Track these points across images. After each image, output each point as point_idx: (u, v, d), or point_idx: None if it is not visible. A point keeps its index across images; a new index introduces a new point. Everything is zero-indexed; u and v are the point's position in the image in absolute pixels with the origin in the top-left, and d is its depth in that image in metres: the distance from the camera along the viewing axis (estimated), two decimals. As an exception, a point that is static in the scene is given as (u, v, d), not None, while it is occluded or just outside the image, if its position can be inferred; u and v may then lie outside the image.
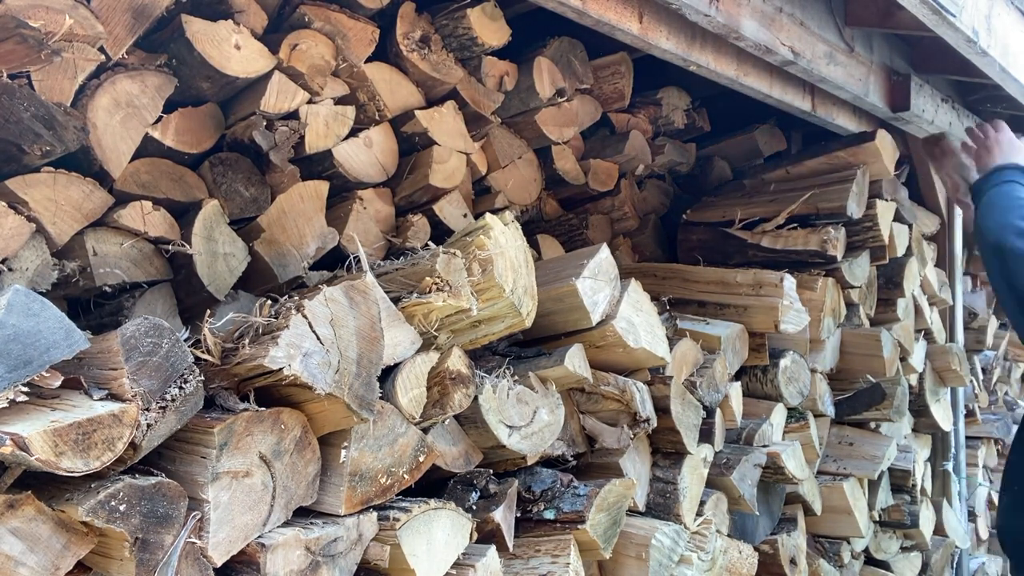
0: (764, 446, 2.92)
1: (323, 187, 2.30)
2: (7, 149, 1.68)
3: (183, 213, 2.05)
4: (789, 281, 2.89)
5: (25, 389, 1.23)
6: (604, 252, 2.29)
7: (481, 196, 2.89)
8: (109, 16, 1.83)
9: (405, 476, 1.78)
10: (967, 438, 4.67)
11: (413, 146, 2.54)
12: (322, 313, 1.57)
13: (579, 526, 2.06)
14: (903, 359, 3.90)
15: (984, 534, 4.97)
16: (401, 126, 2.48)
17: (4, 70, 1.66)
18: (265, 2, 2.13)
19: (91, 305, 2.00)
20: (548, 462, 2.26)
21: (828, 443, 3.48)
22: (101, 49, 1.83)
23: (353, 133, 2.35)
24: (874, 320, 3.84)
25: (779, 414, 3.05)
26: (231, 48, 1.99)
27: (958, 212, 4.50)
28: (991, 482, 5.22)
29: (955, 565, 4.38)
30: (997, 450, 5.29)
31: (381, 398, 1.72)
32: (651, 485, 2.49)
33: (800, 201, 3.33)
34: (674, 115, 3.52)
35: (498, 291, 1.88)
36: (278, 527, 1.56)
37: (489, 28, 2.50)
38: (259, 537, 1.52)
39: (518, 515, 2.08)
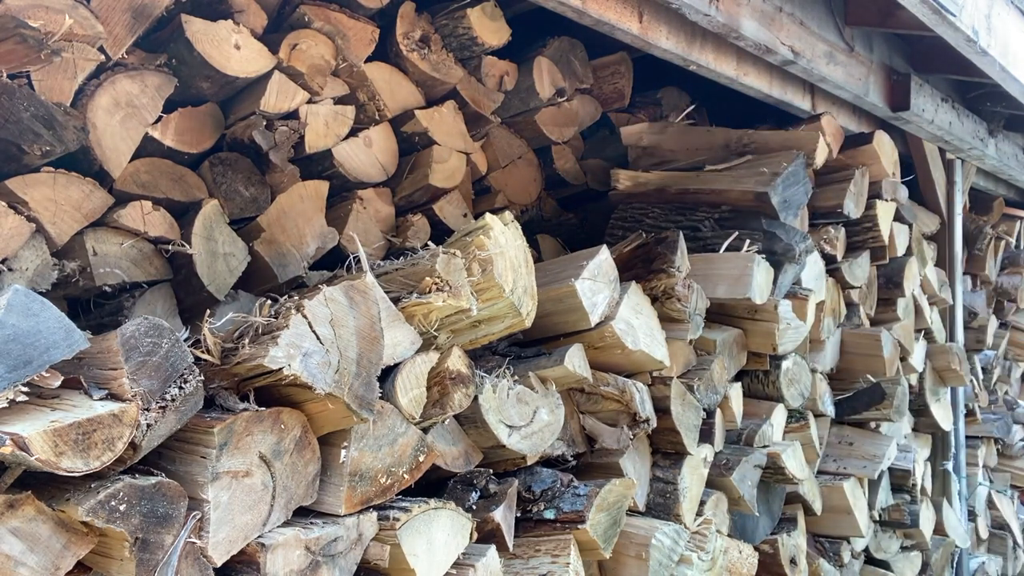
0: (764, 446, 2.91)
1: (323, 187, 2.30)
2: (7, 149, 1.68)
3: (183, 213, 2.05)
4: (784, 305, 2.87)
5: (25, 389, 1.23)
6: (604, 254, 2.29)
7: (481, 196, 2.89)
8: (109, 16, 1.83)
9: (405, 476, 1.78)
10: (967, 437, 4.67)
11: (413, 146, 2.54)
12: (322, 313, 1.57)
13: (579, 526, 2.06)
14: (903, 359, 3.89)
15: (984, 533, 4.96)
16: (401, 126, 2.48)
17: (4, 70, 1.66)
18: (265, 2, 2.13)
19: (91, 305, 2.00)
20: (548, 462, 2.26)
21: (828, 443, 3.48)
22: (101, 49, 1.83)
23: (353, 133, 2.35)
24: (874, 320, 3.84)
25: (779, 414, 3.04)
26: (231, 48, 1.99)
27: (958, 212, 4.50)
28: (991, 482, 5.22)
29: (955, 564, 4.37)
30: (997, 449, 5.29)
31: (381, 398, 1.72)
32: (651, 485, 2.49)
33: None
34: (674, 115, 3.52)
35: (498, 291, 1.88)
36: (278, 527, 1.56)
37: (489, 28, 2.50)
38: (259, 537, 1.52)
39: (518, 515, 2.08)
